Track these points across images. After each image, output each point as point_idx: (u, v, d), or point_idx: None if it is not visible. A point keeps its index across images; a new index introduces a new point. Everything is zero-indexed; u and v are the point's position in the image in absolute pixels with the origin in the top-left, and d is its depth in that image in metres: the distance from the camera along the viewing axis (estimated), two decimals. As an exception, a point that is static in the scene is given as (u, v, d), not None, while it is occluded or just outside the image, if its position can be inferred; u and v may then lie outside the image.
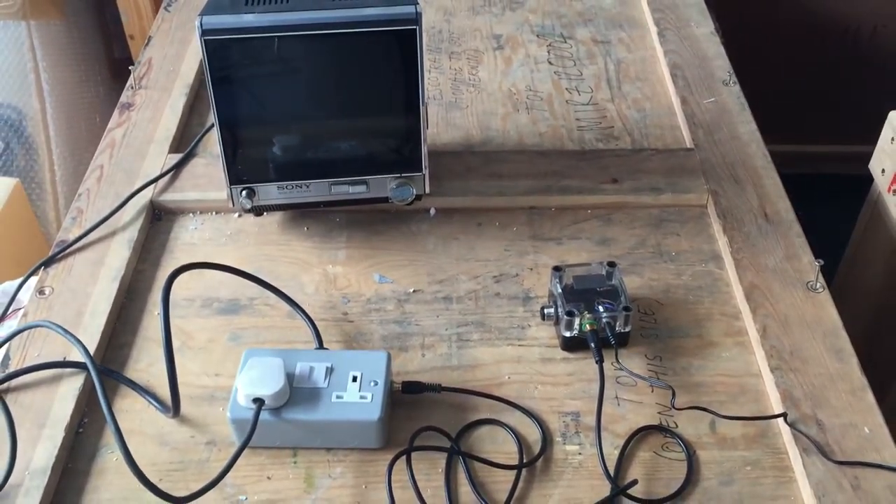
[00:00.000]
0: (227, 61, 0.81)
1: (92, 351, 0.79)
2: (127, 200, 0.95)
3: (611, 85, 1.16)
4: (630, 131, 1.09)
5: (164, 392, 0.76)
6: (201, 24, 0.79)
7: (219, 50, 0.81)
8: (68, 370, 0.79)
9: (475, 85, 1.16)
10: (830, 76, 1.92)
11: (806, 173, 1.68)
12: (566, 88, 1.16)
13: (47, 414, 0.75)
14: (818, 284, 0.86)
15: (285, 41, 0.81)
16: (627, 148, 1.05)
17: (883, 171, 1.09)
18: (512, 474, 0.72)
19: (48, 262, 0.89)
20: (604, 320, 0.80)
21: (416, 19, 0.81)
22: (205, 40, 0.80)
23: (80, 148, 1.65)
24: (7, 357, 0.80)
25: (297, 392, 0.73)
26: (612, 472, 0.72)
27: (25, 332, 0.82)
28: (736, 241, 0.91)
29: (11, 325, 0.89)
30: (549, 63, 1.20)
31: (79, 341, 0.78)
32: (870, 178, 1.14)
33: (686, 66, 1.16)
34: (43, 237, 1.49)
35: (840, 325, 0.83)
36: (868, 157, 1.14)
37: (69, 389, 0.77)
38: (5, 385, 0.77)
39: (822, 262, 0.87)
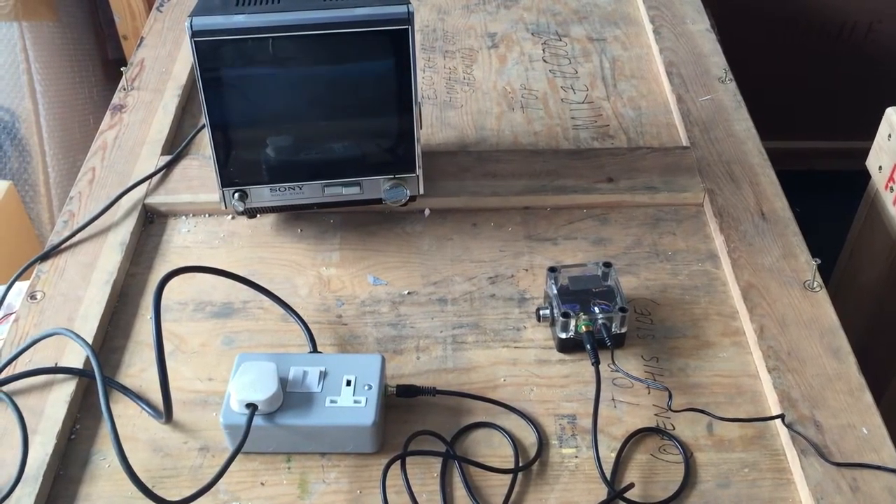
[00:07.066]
0: (217, 62, 0.81)
1: (83, 356, 0.78)
2: (116, 199, 0.95)
3: (606, 83, 1.16)
4: (625, 129, 1.08)
5: (157, 397, 0.75)
6: (191, 26, 0.79)
7: (209, 51, 0.80)
8: (60, 376, 0.78)
9: (470, 84, 1.16)
10: (827, 72, 1.91)
11: (802, 170, 1.67)
12: (561, 87, 1.15)
13: (39, 420, 0.75)
14: (815, 283, 0.86)
15: (276, 42, 0.80)
16: (623, 146, 1.04)
17: (880, 167, 1.09)
18: (508, 478, 0.72)
19: (32, 265, 0.88)
20: (600, 321, 0.79)
21: (409, 19, 0.81)
22: (195, 41, 0.79)
23: (73, 149, 1.64)
24: (-2, 363, 0.79)
25: (291, 397, 0.72)
26: (608, 475, 0.72)
27: (14, 338, 0.81)
28: (732, 240, 0.91)
29: (2, 329, 0.89)
30: (544, 61, 1.20)
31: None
32: (867, 175, 1.14)
33: (682, 64, 1.15)
34: (37, 239, 1.49)
35: (838, 325, 0.82)
36: (865, 153, 1.13)
37: (61, 395, 0.77)
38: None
39: (818, 260, 0.86)
